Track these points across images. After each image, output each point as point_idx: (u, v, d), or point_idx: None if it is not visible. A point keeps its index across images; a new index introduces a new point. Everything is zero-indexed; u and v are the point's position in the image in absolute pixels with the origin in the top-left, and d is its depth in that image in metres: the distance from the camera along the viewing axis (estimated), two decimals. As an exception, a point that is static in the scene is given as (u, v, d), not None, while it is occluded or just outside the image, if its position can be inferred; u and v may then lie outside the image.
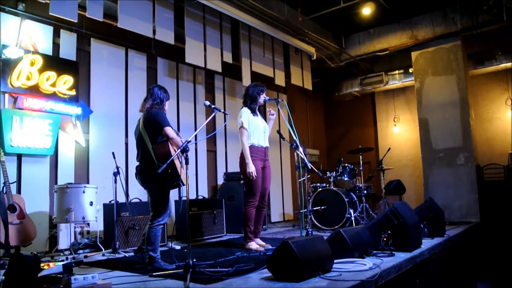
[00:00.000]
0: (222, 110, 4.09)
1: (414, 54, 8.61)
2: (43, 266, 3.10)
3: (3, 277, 2.60)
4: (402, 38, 8.64)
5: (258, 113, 4.99)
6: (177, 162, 3.67)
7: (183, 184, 3.68)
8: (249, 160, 4.70)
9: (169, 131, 3.75)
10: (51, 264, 3.28)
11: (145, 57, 6.75)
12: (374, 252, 3.95)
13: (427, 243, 4.56)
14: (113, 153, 5.00)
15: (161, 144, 3.76)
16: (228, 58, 7.31)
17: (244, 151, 4.74)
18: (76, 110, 5.59)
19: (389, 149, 7.87)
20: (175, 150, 3.68)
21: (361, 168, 7.28)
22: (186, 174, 3.48)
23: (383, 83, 10.01)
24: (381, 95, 10.92)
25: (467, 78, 8.25)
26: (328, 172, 7.27)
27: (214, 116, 3.94)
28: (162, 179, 3.64)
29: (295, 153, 4.79)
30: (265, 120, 5.16)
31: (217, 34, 7.17)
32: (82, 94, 5.84)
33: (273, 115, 5.02)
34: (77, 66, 5.71)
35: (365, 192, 7.11)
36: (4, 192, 4.37)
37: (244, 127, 4.77)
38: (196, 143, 6.98)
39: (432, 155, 8.23)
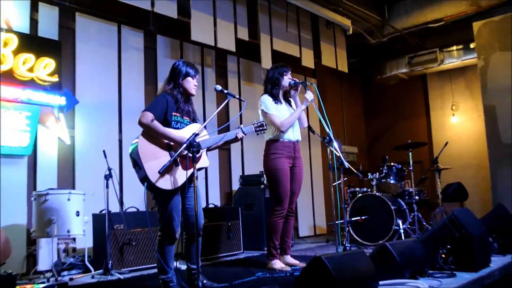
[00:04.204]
0: (237, 96, 4.02)
1: (476, 25, 8.40)
2: (18, 290, 3.08)
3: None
4: (461, 6, 8.47)
5: (283, 100, 4.90)
6: (163, 159, 3.57)
7: (153, 188, 3.55)
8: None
9: (143, 115, 3.55)
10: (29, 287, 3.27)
11: (142, 34, 6.75)
12: (430, 272, 3.85)
13: (497, 261, 4.41)
14: (104, 151, 4.99)
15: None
16: (244, 34, 7.28)
17: (291, 119, 4.70)
18: (59, 100, 5.59)
19: (447, 143, 7.71)
20: (159, 141, 3.63)
21: (411, 168, 7.17)
22: (196, 175, 3.41)
23: (437, 62, 9.86)
24: (435, 77, 10.78)
25: (545, 53, 8.02)
26: (369, 174, 7.17)
27: (227, 105, 3.89)
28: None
29: (328, 150, 4.68)
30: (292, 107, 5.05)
31: (229, 6, 7.16)
32: (66, 81, 5.86)
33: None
34: (60, 47, 5.73)
35: (417, 198, 7.00)
36: (-27, 200, 4.40)
37: (271, 113, 4.68)
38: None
39: (502, 152, 8.02)
